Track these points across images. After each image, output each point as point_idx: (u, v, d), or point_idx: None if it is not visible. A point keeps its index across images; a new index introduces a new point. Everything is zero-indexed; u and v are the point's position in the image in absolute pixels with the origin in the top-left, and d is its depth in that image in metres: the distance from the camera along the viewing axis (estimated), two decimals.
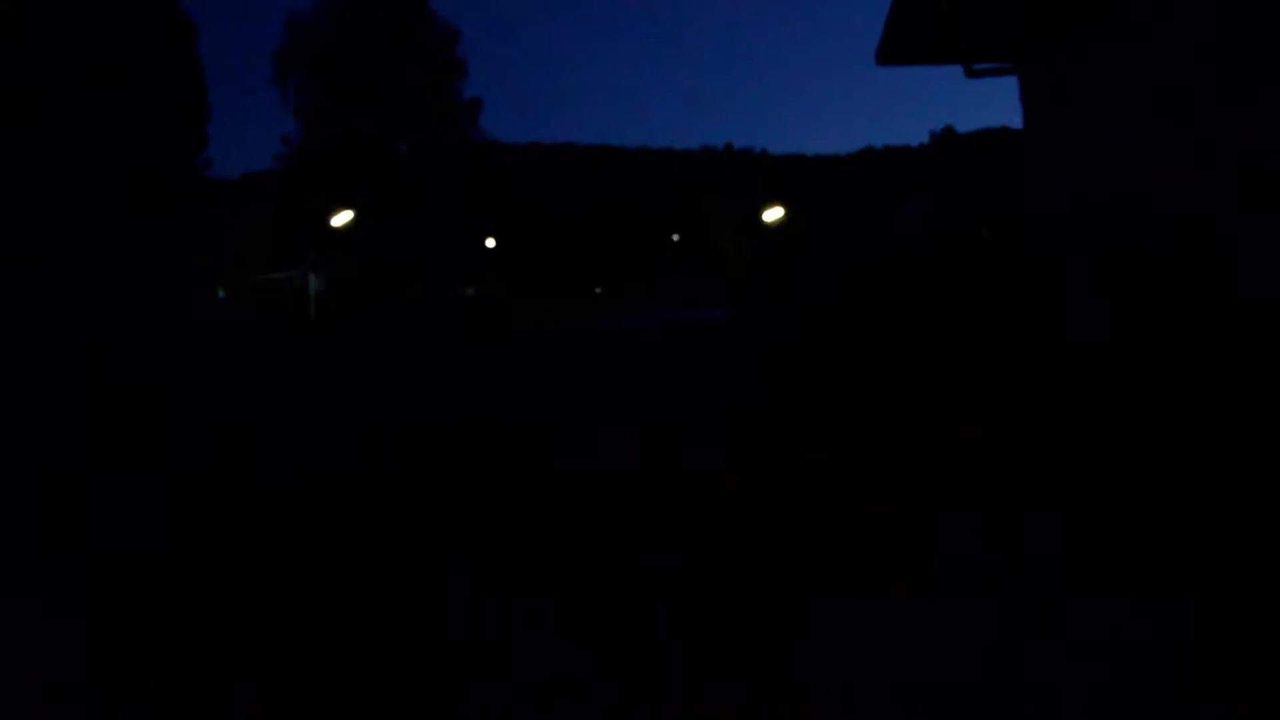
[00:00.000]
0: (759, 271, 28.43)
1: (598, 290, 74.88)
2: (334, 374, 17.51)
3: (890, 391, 8.23)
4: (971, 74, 13.33)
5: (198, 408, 12.12)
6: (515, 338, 27.00)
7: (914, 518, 4.29)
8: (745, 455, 6.10)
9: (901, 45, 12.86)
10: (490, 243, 52.61)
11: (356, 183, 41.92)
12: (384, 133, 44.32)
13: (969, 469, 5.18)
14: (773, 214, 65.27)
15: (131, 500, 6.15)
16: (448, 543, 4.53)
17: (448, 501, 5.45)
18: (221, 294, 42.06)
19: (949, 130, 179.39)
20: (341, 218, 42.80)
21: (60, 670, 3.33)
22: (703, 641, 3.14)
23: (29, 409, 12.67)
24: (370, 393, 13.06)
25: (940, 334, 8.82)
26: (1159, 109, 9.90)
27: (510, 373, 15.15)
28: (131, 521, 5.47)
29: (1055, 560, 3.58)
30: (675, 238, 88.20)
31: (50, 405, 13.16)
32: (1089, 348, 7.44)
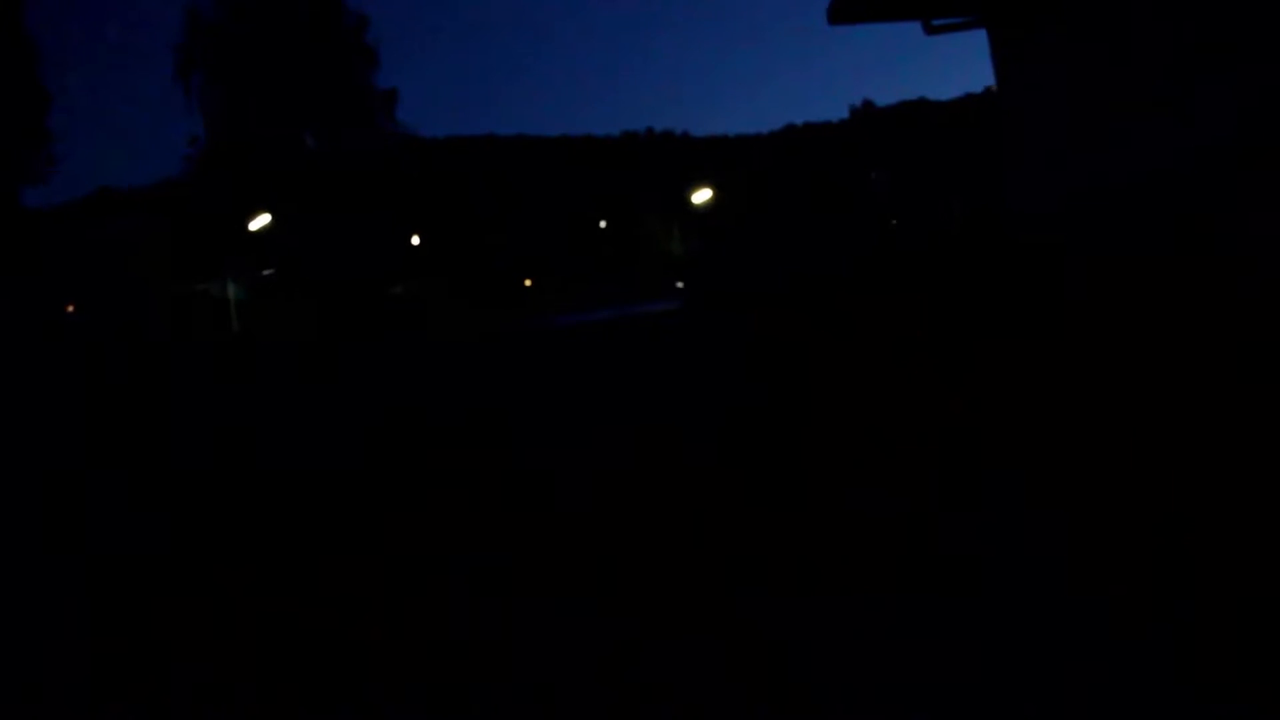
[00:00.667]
0: (707, 260, 27.48)
1: (527, 283, 73.61)
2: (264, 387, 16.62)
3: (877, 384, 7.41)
4: (931, 30, 12.37)
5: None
6: (437, 340, 25.68)
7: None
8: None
9: (855, 1, 11.93)
10: (415, 240, 50.94)
11: (271, 183, 40.09)
12: (295, 128, 42.38)
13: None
14: (701, 196, 64.93)
15: None
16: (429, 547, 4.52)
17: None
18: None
19: (868, 104, 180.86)
20: (258, 221, 41.12)
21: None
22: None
23: None
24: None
25: (934, 333, 7.97)
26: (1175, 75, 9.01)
27: (447, 377, 14.22)
28: None
29: (1049, 559, 3.49)
30: (603, 224, 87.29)
31: None
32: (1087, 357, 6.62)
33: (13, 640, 3.65)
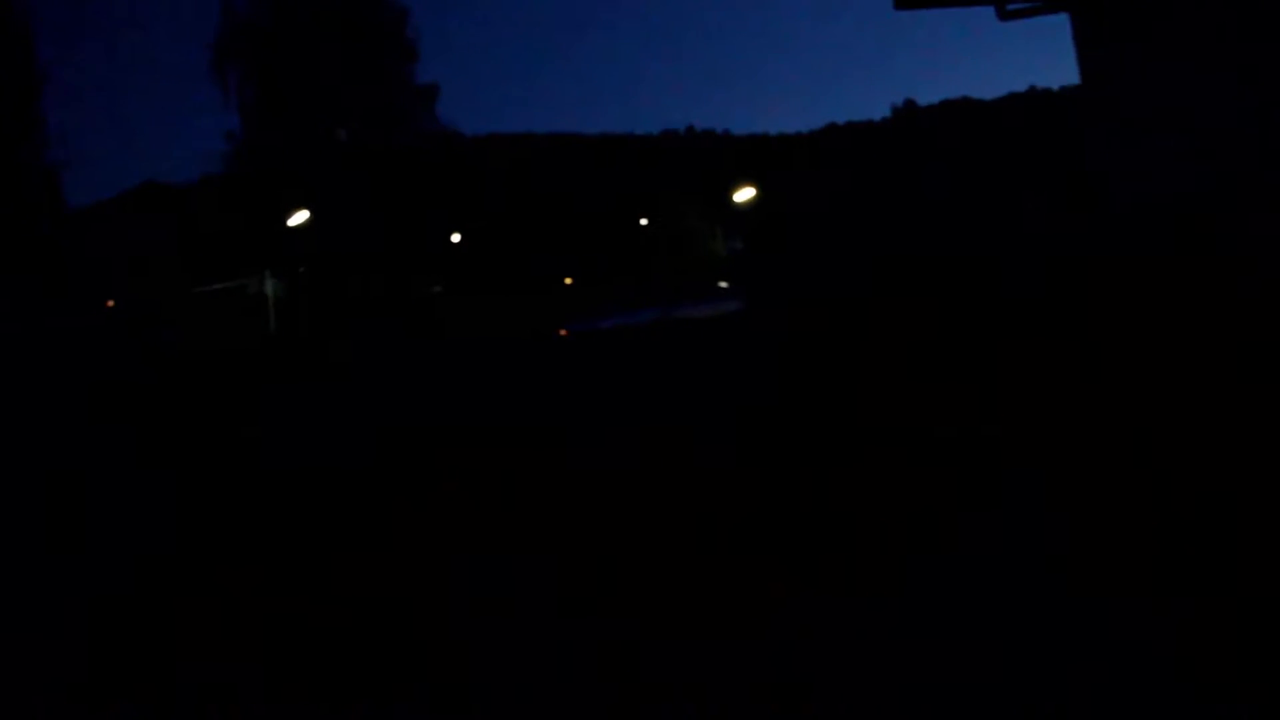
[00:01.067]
0: (766, 260, 26.60)
1: (567, 281, 73.05)
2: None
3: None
4: (1005, 16, 11.45)
5: None
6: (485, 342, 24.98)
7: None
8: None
9: None
10: (455, 237, 50.23)
11: (309, 179, 39.53)
12: (333, 124, 41.76)
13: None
14: (744, 195, 64.27)
15: None
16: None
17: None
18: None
19: (910, 103, 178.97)
20: (297, 217, 40.67)
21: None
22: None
23: None
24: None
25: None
26: None
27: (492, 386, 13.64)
28: None
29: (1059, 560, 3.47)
30: (643, 222, 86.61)
31: None
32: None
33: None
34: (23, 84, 33.59)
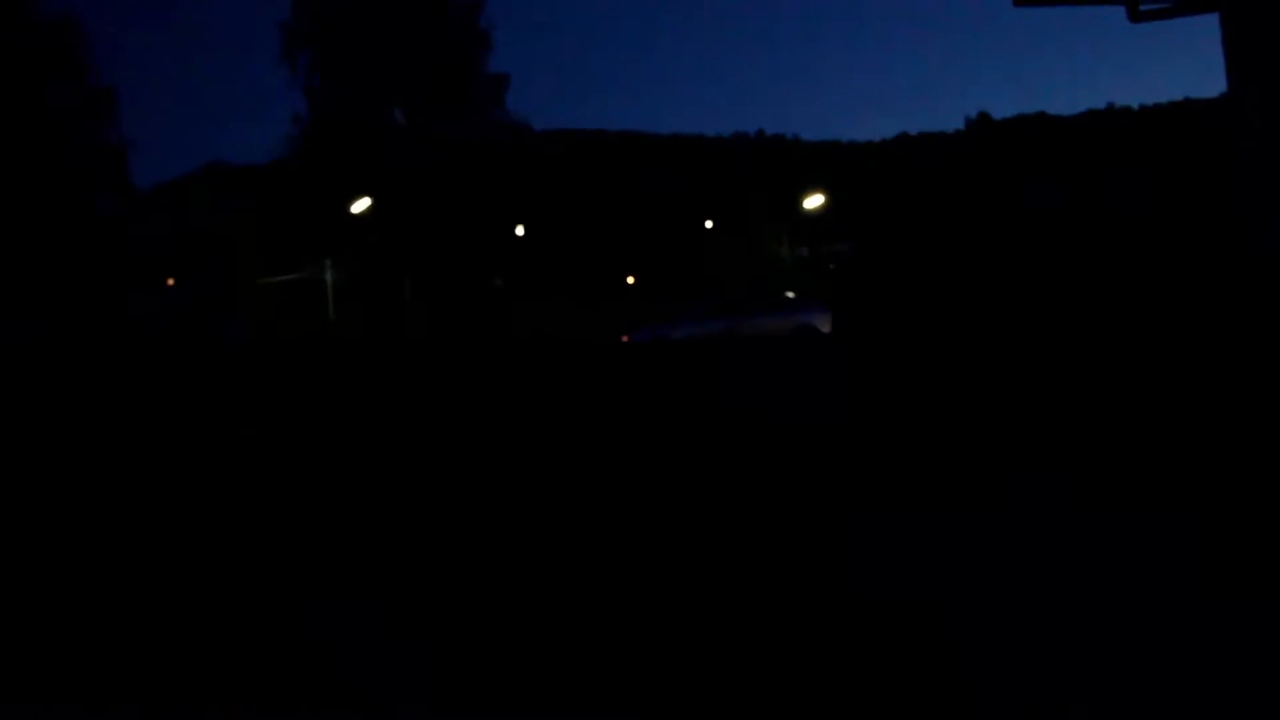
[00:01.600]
0: (859, 274, 25.27)
1: (630, 280, 71.94)
2: None
3: None
4: (1137, 18, 10.17)
5: None
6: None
7: None
8: None
9: None
10: (519, 231, 49.23)
11: (374, 166, 38.75)
12: (401, 111, 40.89)
13: None
14: (814, 201, 62.79)
15: None
16: None
17: None
18: None
19: (985, 116, 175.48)
20: (360, 205, 39.98)
21: None
22: None
23: None
24: None
25: None
26: None
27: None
28: None
29: None
30: (708, 224, 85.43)
31: None
32: None
33: None
34: (79, 59, 33.21)
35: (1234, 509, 5.38)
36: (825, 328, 23.25)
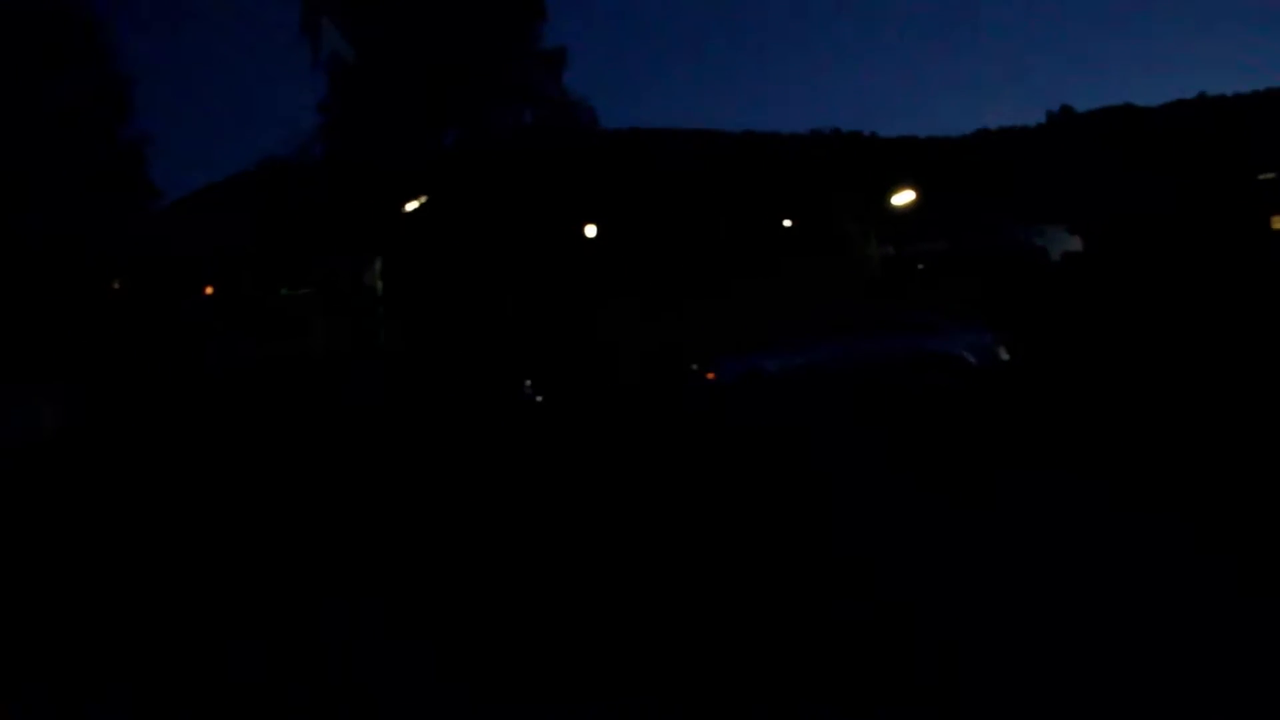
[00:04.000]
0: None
1: (701, 282, 67.71)
2: None
3: None
4: None
5: None
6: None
7: None
8: None
9: None
10: (591, 231, 44.53)
11: (422, 159, 34.49)
12: (444, 92, 35.84)
13: None
14: (903, 198, 59.28)
15: None
16: None
17: None
18: None
19: (1067, 109, 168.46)
20: (412, 203, 36.03)
21: None
22: None
23: None
24: None
25: None
26: None
27: None
28: None
29: None
30: (786, 223, 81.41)
31: None
32: None
33: None
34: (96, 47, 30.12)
35: None
36: (971, 355, 18.06)
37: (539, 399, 22.23)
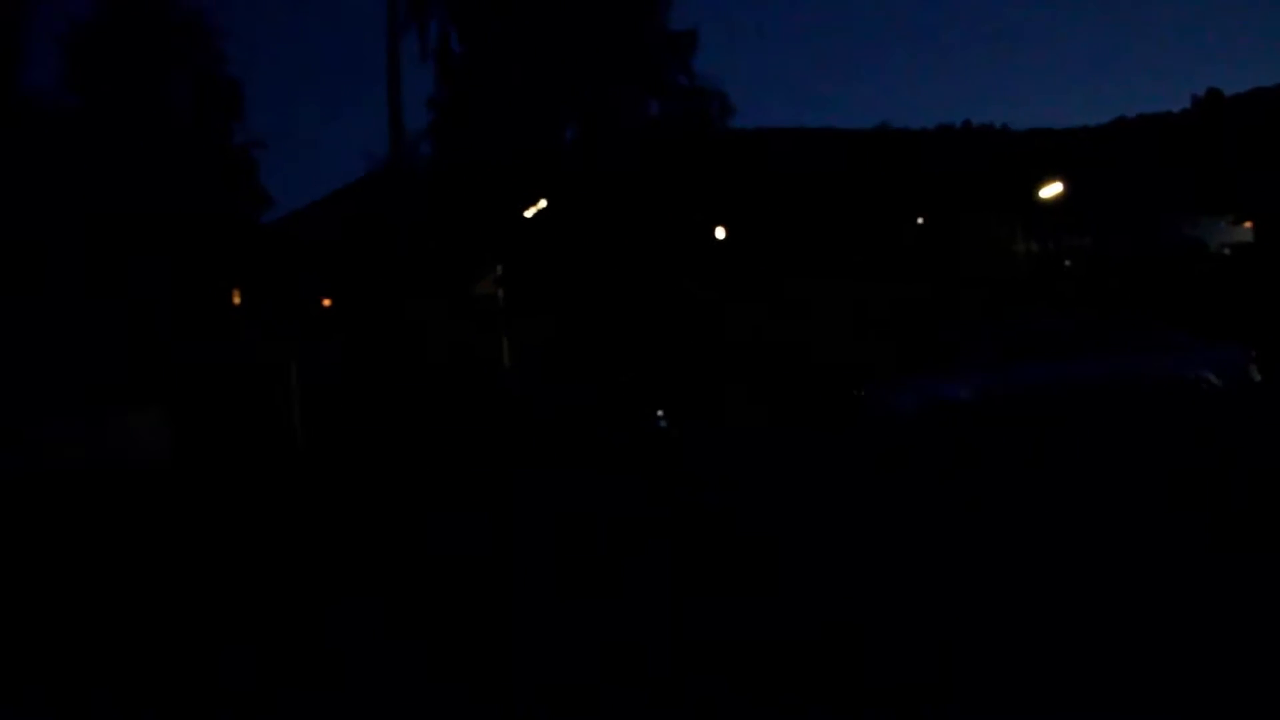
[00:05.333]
0: None
1: (841, 284, 64.62)
2: None
3: None
4: None
5: None
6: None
7: None
8: None
9: None
10: (720, 233, 41.71)
11: (542, 158, 32.12)
12: (560, 82, 33.09)
13: None
14: (1050, 190, 56.19)
15: None
16: None
17: None
18: None
19: (1214, 92, 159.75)
20: (534, 207, 33.92)
21: None
22: None
23: None
24: None
25: None
26: None
27: None
28: None
29: None
30: (919, 220, 78.18)
31: None
32: None
33: None
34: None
35: None
36: (1216, 378, 14.48)
37: (674, 434, 19.78)
